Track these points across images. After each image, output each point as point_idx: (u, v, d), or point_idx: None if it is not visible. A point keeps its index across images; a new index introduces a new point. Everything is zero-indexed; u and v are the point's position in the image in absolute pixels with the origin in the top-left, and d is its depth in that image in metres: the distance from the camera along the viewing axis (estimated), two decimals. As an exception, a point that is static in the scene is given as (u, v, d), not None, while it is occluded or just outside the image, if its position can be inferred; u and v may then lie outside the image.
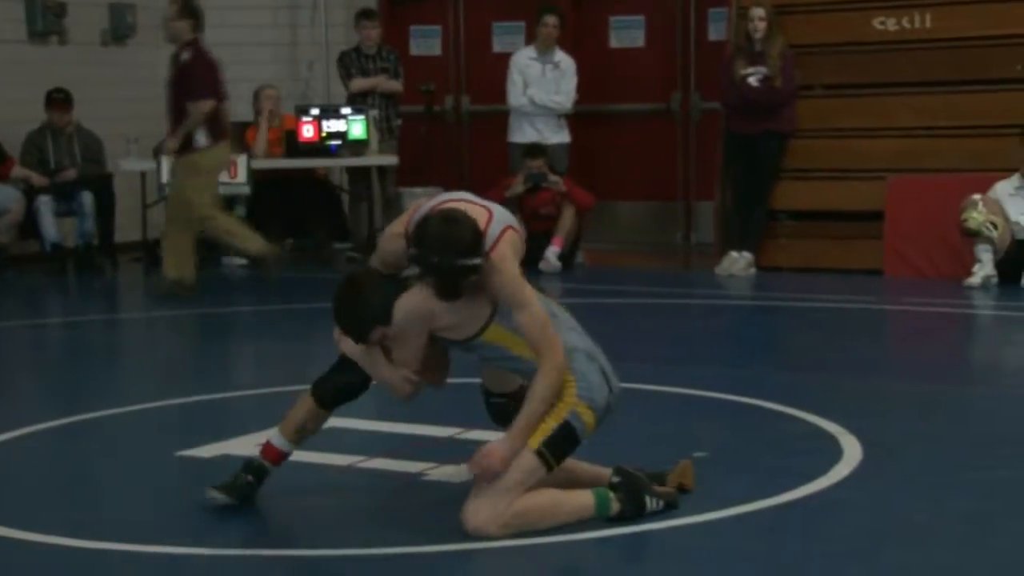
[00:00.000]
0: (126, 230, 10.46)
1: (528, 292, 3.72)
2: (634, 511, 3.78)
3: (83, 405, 5.54)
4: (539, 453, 3.68)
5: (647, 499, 3.80)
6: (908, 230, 9.09)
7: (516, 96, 10.09)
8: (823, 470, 4.28)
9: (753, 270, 9.35)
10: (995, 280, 8.49)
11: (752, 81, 9.39)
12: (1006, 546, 3.66)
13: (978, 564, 3.52)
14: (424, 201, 3.85)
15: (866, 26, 9.60)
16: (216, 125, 8.38)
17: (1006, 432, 4.89)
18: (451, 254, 3.61)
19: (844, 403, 5.29)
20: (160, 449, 4.78)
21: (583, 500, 3.75)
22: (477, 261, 3.64)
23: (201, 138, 8.30)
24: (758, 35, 9.40)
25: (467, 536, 3.68)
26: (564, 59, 10.15)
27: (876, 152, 9.42)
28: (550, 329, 3.70)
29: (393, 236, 3.86)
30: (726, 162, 9.69)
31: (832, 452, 4.50)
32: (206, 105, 8.32)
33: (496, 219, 3.76)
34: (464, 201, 3.81)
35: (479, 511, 3.65)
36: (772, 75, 9.36)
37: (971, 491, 4.13)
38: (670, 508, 3.85)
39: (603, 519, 3.75)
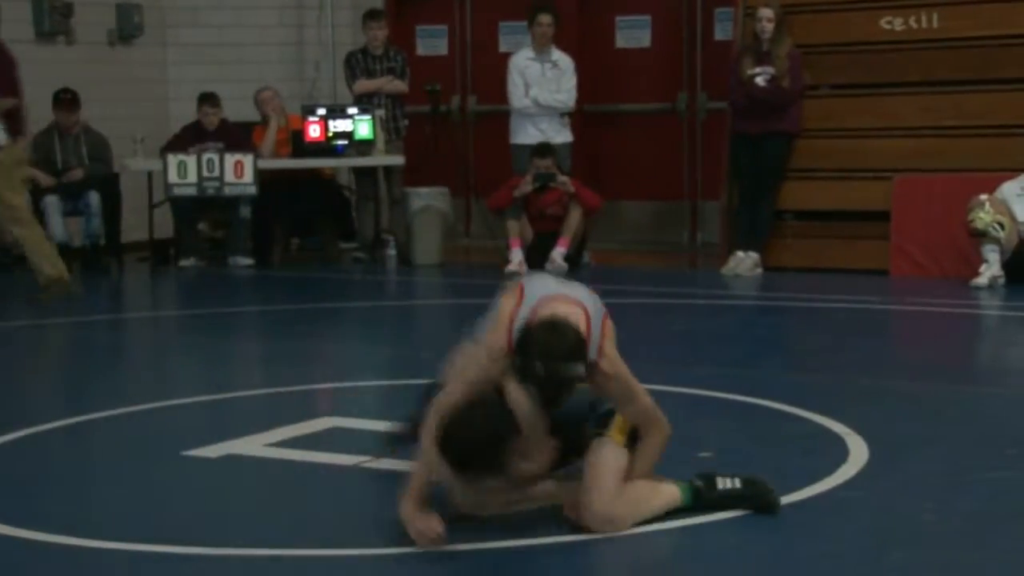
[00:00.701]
0: (132, 230, 10.47)
1: (638, 386, 3.73)
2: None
3: (89, 405, 5.54)
4: (627, 446, 3.76)
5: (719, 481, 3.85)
6: (914, 230, 9.08)
7: (518, 98, 10.08)
8: (829, 470, 4.27)
9: (759, 270, 9.34)
10: (1002, 280, 8.47)
11: (759, 81, 9.38)
12: (1012, 547, 3.65)
13: (984, 565, 3.51)
14: (515, 307, 3.66)
15: (873, 26, 9.59)
16: (15, 122, 8.14)
17: (1012, 433, 4.87)
18: (555, 361, 3.51)
19: (850, 403, 5.29)
20: (166, 449, 4.78)
21: (673, 491, 3.80)
22: (581, 369, 3.56)
23: (1, 135, 8.07)
24: (766, 35, 9.39)
25: (463, 537, 3.68)
26: (562, 58, 10.14)
27: (882, 152, 9.40)
28: (658, 412, 3.76)
29: (495, 353, 3.62)
30: (732, 162, 9.67)
31: (838, 452, 4.50)
32: (6, 103, 8.09)
33: (593, 316, 3.67)
34: (559, 298, 3.68)
35: (599, 499, 3.65)
36: (779, 75, 9.35)
37: (977, 492, 4.12)
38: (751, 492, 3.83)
39: (685, 508, 3.79)
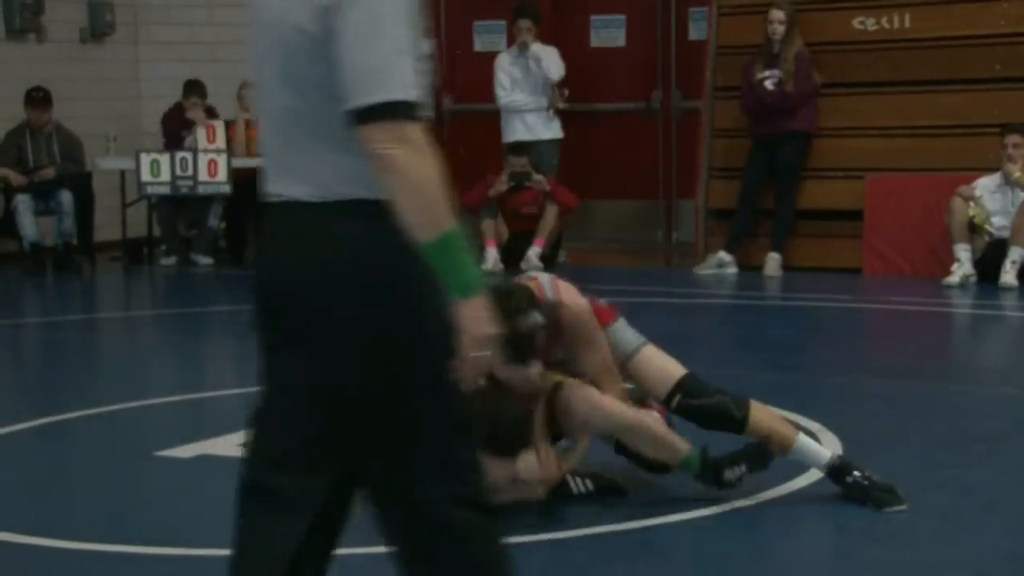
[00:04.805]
0: (105, 229, 10.42)
1: (601, 337, 3.93)
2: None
3: (61, 405, 5.51)
4: None
5: None
6: (886, 229, 9.12)
7: (504, 95, 10.13)
8: (803, 468, 4.29)
9: (780, 272, 9.26)
10: (973, 279, 8.53)
11: (768, 84, 9.36)
12: (982, 543, 3.68)
13: (955, 561, 3.54)
14: None
15: (846, 26, 9.63)
16: None
17: (981, 430, 4.92)
18: (511, 317, 3.63)
19: (824, 401, 5.32)
20: (139, 449, 4.77)
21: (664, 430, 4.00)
22: (538, 317, 3.73)
23: None
24: (776, 37, 9.34)
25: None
26: (542, 49, 10.16)
27: (855, 151, 9.45)
28: (614, 368, 3.94)
29: None
30: (748, 166, 9.57)
31: (811, 450, 4.51)
32: None
33: (542, 279, 3.97)
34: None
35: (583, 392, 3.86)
36: (784, 78, 9.32)
37: (948, 488, 4.16)
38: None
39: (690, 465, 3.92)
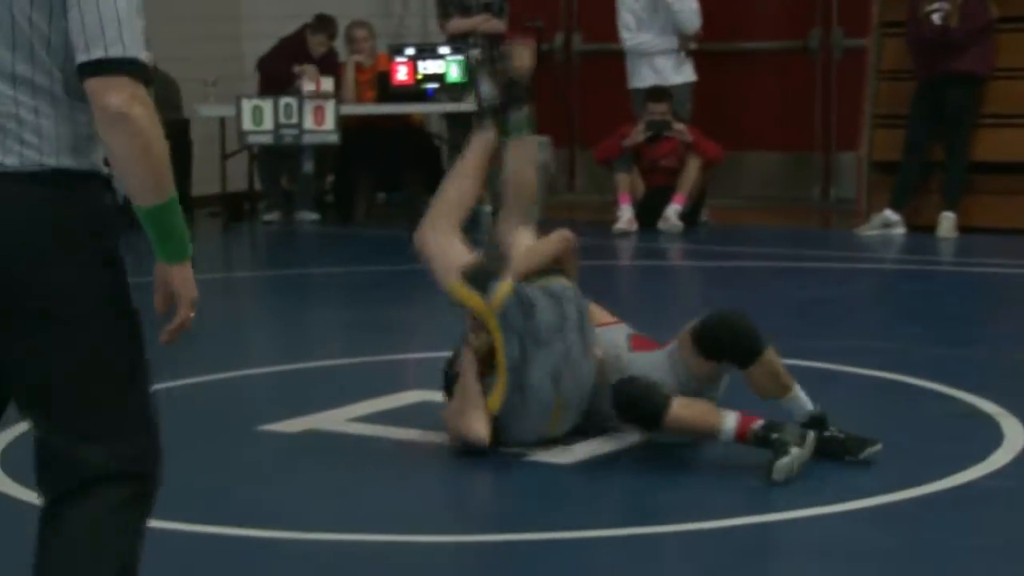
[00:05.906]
0: (203, 182, 10.63)
1: None
2: None
3: (157, 374, 5.63)
4: None
5: None
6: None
7: (629, 37, 10.03)
8: (980, 456, 4.22)
9: (956, 234, 9.10)
10: None
11: (935, 18, 9.14)
12: None
13: None
14: None
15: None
16: None
17: None
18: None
19: (1006, 381, 5.23)
20: (241, 423, 4.87)
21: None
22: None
23: None
24: None
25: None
26: None
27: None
28: None
29: None
30: (913, 112, 9.41)
31: (991, 436, 4.44)
32: None
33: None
34: None
35: None
36: (952, 10, 9.09)
37: None
38: None
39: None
